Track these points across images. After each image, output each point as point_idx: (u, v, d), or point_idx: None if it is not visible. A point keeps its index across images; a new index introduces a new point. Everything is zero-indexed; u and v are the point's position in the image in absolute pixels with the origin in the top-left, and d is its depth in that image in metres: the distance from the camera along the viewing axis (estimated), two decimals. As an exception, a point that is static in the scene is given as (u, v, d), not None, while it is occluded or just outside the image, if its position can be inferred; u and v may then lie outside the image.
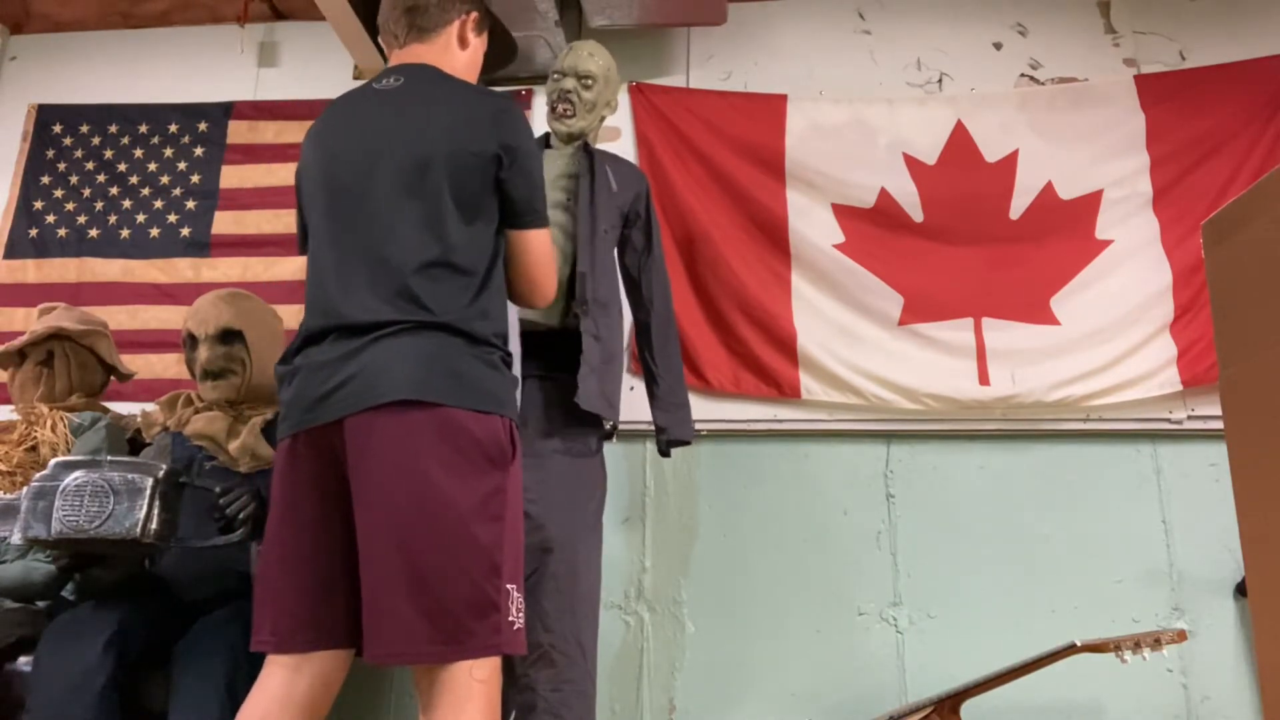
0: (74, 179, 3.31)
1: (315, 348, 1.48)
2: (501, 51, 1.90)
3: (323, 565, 1.43)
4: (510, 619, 1.37)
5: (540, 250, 1.63)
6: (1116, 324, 2.67)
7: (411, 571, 1.33)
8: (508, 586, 1.37)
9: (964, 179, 2.86)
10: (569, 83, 2.38)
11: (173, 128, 3.34)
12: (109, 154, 3.34)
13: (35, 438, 2.15)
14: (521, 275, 1.63)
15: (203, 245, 3.18)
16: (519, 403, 2.21)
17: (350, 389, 1.40)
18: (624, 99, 3.02)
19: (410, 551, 1.33)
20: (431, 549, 1.33)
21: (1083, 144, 2.85)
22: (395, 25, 1.70)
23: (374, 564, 1.36)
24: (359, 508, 1.39)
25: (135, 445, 2.29)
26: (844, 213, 2.88)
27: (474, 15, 1.74)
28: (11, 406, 2.32)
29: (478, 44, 1.77)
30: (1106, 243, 2.76)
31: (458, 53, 1.72)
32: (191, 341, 2.18)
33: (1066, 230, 2.78)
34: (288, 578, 1.44)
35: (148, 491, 1.70)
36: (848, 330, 2.78)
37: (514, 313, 2.22)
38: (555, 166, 2.38)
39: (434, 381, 1.39)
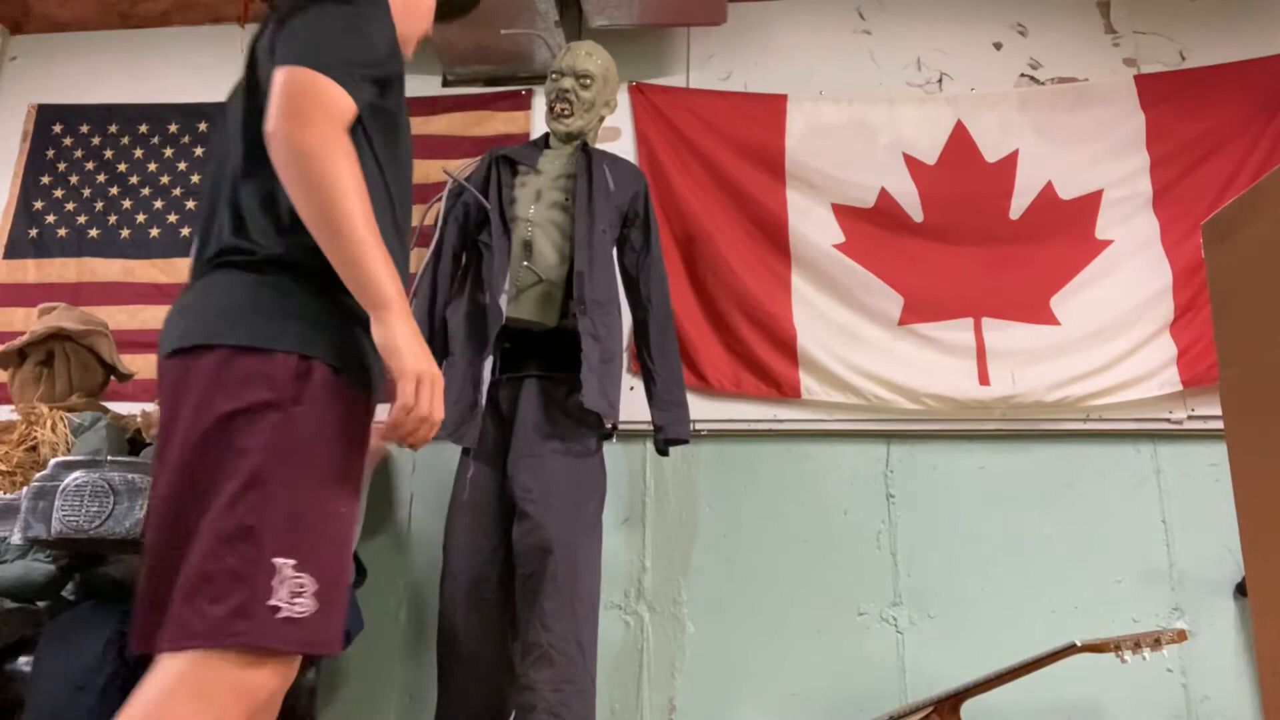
0: (74, 179, 3.31)
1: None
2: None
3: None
4: (272, 603, 1.07)
5: (281, 86, 1.21)
6: (1116, 324, 2.67)
7: (154, 543, 1.15)
8: (273, 560, 1.08)
9: (964, 179, 2.86)
10: (567, 82, 2.38)
11: (173, 128, 3.34)
12: (109, 154, 3.33)
13: (35, 438, 2.15)
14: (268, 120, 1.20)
15: (203, 245, 3.18)
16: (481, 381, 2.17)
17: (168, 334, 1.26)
18: (624, 99, 3.02)
19: (160, 520, 1.15)
20: (168, 512, 1.13)
21: (1083, 144, 2.84)
22: None
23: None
24: None
25: (135, 445, 2.29)
26: (844, 213, 2.88)
27: None
28: (11, 406, 2.32)
29: None
30: (1106, 243, 2.76)
31: None
32: (191, 341, 2.17)
33: (1066, 230, 2.78)
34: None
35: (148, 491, 1.70)
36: (848, 330, 2.78)
37: (506, 310, 2.23)
38: (553, 166, 2.38)
39: (197, 325, 1.20)
